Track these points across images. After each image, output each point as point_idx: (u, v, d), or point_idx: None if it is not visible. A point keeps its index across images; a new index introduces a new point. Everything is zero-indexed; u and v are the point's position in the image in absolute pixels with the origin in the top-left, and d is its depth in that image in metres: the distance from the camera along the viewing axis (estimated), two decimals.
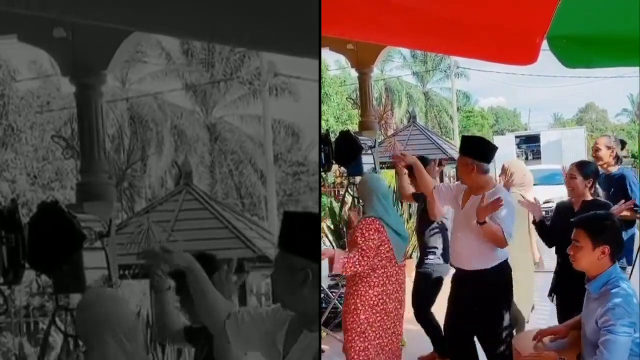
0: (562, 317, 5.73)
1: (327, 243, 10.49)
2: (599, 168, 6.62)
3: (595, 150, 7.01)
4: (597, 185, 6.12)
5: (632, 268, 6.56)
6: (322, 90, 32.87)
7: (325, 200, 14.63)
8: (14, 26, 7.51)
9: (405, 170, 7.11)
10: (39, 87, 23.37)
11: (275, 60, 23.51)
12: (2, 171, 20.40)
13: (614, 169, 6.93)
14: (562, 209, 5.91)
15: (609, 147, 6.92)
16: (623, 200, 5.96)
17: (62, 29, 7.37)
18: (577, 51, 4.32)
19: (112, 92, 21.71)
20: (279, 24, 2.69)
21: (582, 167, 5.81)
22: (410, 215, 11.34)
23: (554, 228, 5.92)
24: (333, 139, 8.39)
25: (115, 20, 2.80)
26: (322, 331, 7.99)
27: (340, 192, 15.68)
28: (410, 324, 7.12)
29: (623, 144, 7.34)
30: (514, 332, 6.32)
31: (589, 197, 5.80)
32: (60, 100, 22.64)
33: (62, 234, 5.69)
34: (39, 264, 5.64)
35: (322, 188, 13.29)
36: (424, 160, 7.14)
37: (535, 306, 7.25)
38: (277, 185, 25.28)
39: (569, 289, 5.53)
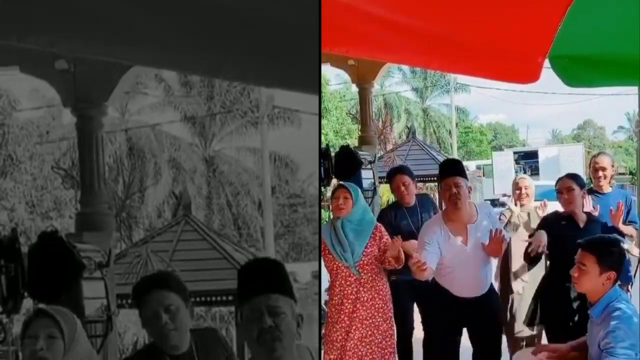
0: (552, 334, 5.80)
1: None
2: (594, 189, 6.70)
3: (601, 169, 6.71)
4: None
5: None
6: (322, 105, 33.05)
7: (324, 214, 14.60)
8: (16, 57, 7.59)
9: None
10: (39, 117, 23.45)
11: (274, 93, 23.67)
12: (0, 199, 20.43)
13: (609, 189, 6.73)
14: (559, 221, 5.75)
15: (612, 166, 6.79)
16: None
17: (64, 61, 7.44)
18: (579, 71, 4.35)
19: (111, 122, 21.81)
20: (280, 60, 2.76)
21: (576, 178, 5.81)
22: None
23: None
24: (332, 153, 8.44)
25: (119, 56, 2.89)
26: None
27: None
28: None
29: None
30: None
31: (586, 210, 5.80)
32: (60, 130, 22.74)
33: (62, 263, 5.74)
34: (38, 294, 5.68)
35: (321, 202, 13.27)
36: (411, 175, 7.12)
37: None
38: (274, 217, 25.31)
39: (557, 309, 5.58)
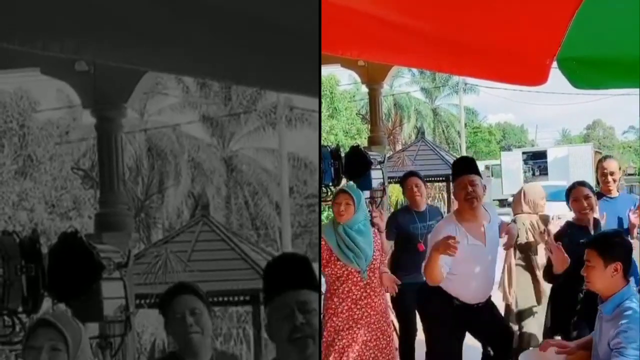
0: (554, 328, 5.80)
1: None
2: (602, 192, 6.59)
3: (610, 174, 6.53)
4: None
5: None
6: (332, 105, 33.15)
7: (331, 213, 14.59)
8: (37, 59, 7.66)
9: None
10: (59, 118, 23.57)
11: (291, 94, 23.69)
12: (21, 200, 20.56)
13: (616, 193, 6.63)
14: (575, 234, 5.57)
15: (620, 169, 6.78)
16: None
17: (84, 63, 7.51)
18: (587, 73, 4.37)
19: (130, 123, 21.88)
20: (280, 64, 2.79)
21: (587, 185, 5.87)
22: None
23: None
24: (342, 153, 8.49)
25: (137, 62, 2.93)
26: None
27: None
28: None
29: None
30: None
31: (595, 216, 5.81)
32: (80, 131, 22.87)
33: (82, 264, 5.79)
34: (58, 294, 5.73)
35: (329, 202, 13.26)
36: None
37: None
38: (291, 217, 25.34)
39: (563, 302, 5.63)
